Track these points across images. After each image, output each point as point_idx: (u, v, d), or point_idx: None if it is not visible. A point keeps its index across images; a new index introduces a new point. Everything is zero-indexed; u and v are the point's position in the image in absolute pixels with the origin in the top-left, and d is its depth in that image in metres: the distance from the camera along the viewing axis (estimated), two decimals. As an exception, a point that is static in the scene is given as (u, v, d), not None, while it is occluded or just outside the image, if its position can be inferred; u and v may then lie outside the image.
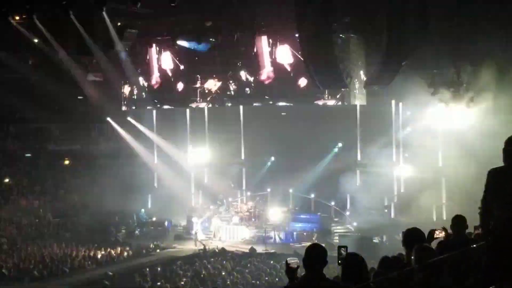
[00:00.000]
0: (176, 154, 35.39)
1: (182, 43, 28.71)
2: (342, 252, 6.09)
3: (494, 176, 5.68)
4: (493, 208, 5.58)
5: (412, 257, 5.49)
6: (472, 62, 26.66)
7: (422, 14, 24.02)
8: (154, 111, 35.44)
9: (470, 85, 26.81)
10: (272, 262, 24.22)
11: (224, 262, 24.21)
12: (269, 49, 28.14)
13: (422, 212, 28.89)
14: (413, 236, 5.91)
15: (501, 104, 24.28)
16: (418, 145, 29.80)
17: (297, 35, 25.27)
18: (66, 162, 34.89)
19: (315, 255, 5.55)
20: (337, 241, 27.97)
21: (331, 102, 28.70)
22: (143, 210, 34.06)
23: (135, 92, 33.98)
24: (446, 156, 29.52)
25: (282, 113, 32.99)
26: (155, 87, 32.20)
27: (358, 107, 31.24)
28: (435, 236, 6.04)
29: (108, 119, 35.03)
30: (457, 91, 27.76)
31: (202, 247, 27.77)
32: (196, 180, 34.96)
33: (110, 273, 22.75)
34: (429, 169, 29.57)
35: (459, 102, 28.14)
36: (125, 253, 27.33)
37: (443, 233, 6.10)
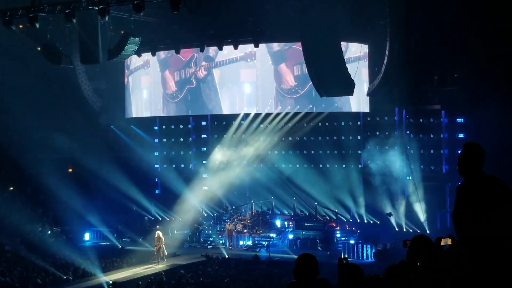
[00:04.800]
0: (179, 161, 35.51)
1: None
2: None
3: (460, 193, 5.59)
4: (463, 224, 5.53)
5: (418, 264, 5.47)
6: (474, 70, 26.77)
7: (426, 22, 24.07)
8: (158, 119, 35.51)
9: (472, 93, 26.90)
10: (275, 270, 24.15)
11: (228, 270, 24.16)
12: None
13: (425, 219, 28.94)
14: (421, 244, 5.87)
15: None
16: (421, 152, 29.83)
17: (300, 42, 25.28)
18: (70, 170, 34.96)
19: (306, 264, 5.51)
20: (341, 249, 27.96)
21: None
22: (146, 218, 34.10)
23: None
24: (449, 163, 29.53)
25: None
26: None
27: (361, 114, 31.32)
28: (442, 243, 6.00)
29: (112, 127, 35.13)
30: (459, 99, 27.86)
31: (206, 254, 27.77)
32: (199, 187, 34.90)
33: (114, 281, 22.74)
34: (433, 176, 29.57)
35: (460, 109, 28.24)
36: (129, 261, 27.33)
37: (450, 240, 6.06)
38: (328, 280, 5.71)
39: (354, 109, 30.76)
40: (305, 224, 30.83)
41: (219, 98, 32.40)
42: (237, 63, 31.64)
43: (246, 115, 33.09)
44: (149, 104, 34.47)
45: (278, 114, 31.96)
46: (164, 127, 35.89)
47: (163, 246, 27.55)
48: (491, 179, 5.44)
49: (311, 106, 30.86)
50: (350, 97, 27.39)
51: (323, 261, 13.69)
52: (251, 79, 31.79)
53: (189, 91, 32.88)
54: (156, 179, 36.28)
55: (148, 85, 34.13)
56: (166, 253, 27.73)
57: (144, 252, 29.22)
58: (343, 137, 31.94)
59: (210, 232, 32.07)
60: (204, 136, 35.57)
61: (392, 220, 28.95)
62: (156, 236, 27.75)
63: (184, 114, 34.05)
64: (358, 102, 29.99)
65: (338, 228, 30.40)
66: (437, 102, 29.20)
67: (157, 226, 32.72)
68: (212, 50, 31.65)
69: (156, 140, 36.15)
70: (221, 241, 30.90)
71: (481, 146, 5.54)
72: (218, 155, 34.47)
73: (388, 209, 29.19)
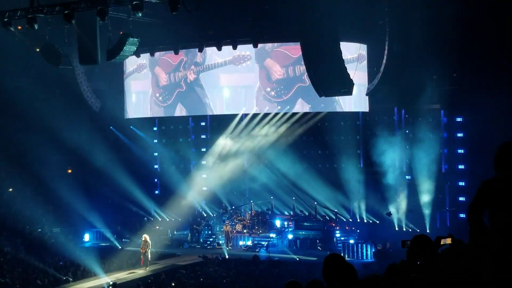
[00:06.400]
0: (179, 162, 35.51)
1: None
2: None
3: (490, 187, 5.61)
4: (494, 219, 5.53)
5: (418, 263, 5.46)
6: (472, 70, 26.80)
7: (426, 21, 24.04)
8: (157, 120, 35.49)
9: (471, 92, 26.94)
10: (275, 270, 24.14)
11: (228, 270, 24.16)
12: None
13: (425, 218, 28.95)
14: (421, 243, 5.87)
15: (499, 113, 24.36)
16: (421, 151, 29.81)
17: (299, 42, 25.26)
18: (69, 171, 34.98)
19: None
20: (341, 248, 27.97)
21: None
22: (145, 218, 34.08)
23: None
24: (449, 162, 29.57)
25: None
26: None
27: (360, 114, 31.32)
28: (441, 243, 5.98)
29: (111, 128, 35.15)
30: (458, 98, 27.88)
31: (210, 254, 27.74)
32: (199, 187, 34.90)
33: (114, 282, 22.75)
34: (432, 176, 29.57)
35: (459, 109, 28.27)
36: (129, 261, 27.31)
37: (450, 240, 6.05)
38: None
39: (353, 109, 30.76)
40: (305, 224, 30.83)
41: (210, 102, 32.20)
42: (225, 66, 31.42)
43: (245, 115, 33.05)
44: (140, 107, 34.34)
45: (276, 114, 31.89)
46: (163, 127, 35.90)
47: (149, 251, 26.70)
48: None
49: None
50: (349, 96, 27.36)
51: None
52: (237, 82, 31.66)
53: (178, 96, 32.72)
54: (156, 180, 36.29)
55: (139, 89, 34.00)
56: (150, 259, 26.86)
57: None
58: (342, 137, 31.92)
59: (209, 232, 32.08)
60: (203, 136, 35.57)
61: (393, 219, 28.95)
62: (142, 239, 26.97)
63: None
64: (357, 101, 29.95)
65: (337, 228, 30.40)
66: (436, 101, 29.20)
67: (157, 227, 32.79)
68: (199, 55, 31.38)
69: (155, 141, 36.15)
70: (221, 241, 30.92)
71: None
72: (218, 155, 34.46)
73: (388, 208, 29.19)
